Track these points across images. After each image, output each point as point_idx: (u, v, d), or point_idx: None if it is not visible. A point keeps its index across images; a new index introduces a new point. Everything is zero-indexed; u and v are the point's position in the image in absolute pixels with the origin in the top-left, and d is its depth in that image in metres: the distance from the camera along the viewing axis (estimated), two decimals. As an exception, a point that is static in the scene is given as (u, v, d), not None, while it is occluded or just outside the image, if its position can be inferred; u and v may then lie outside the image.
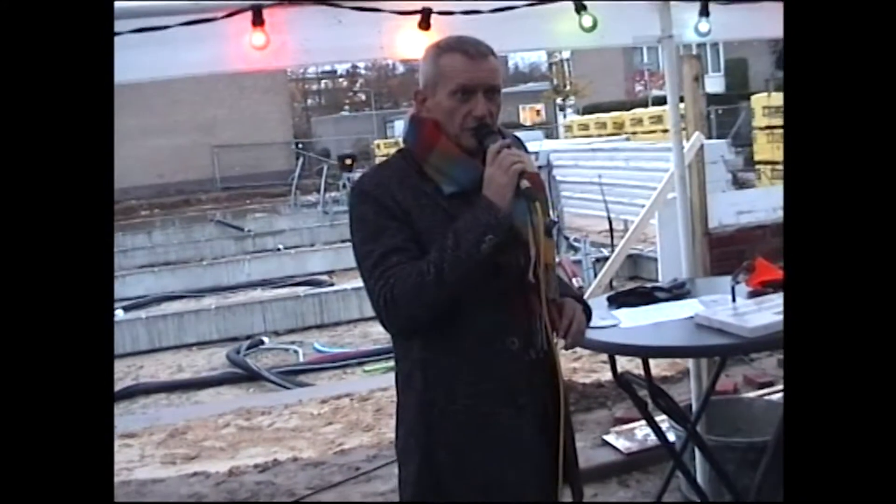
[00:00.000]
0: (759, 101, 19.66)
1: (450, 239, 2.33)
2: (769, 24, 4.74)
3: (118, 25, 3.13)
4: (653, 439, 4.96)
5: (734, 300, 3.56)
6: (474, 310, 2.43)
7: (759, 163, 19.21)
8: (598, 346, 3.50)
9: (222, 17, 3.69)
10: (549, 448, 2.55)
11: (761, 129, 19.13)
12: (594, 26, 4.13)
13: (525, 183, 2.38)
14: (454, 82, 2.46)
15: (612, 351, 3.60)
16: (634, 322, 3.56)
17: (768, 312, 3.33)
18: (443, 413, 2.47)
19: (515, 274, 2.48)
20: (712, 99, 29.77)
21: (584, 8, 4.09)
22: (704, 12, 4.38)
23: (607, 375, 6.25)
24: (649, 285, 4.08)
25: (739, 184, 17.54)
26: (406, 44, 3.97)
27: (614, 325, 3.53)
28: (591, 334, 3.41)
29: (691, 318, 3.48)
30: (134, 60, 3.55)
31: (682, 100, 5.25)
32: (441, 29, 3.80)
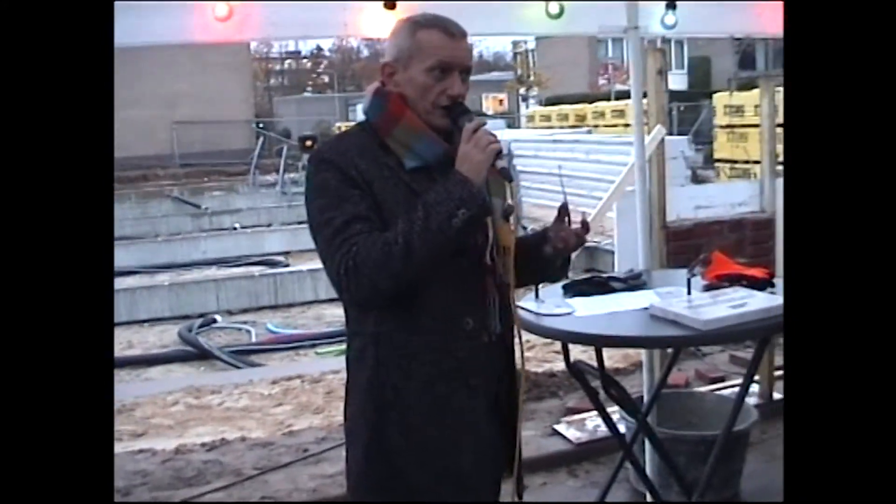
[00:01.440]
0: (721, 99, 19.78)
1: (420, 211, 2.30)
2: (734, 20, 4.78)
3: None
4: (603, 430, 4.97)
5: (689, 293, 3.57)
6: (432, 287, 2.40)
7: (719, 161, 19.33)
8: (551, 334, 3.49)
9: (185, -13, 3.64)
10: (499, 432, 2.55)
11: (722, 127, 19.25)
12: (561, 13, 4.12)
13: (501, 163, 2.39)
14: (433, 58, 2.43)
15: (566, 339, 3.59)
16: (589, 311, 3.55)
17: (723, 306, 3.33)
18: (396, 390, 2.44)
19: (474, 254, 2.47)
20: (675, 96, 29.91)
21: (552, -6, 4.08)
22: (671, 5, 4.38)
23: (560, 365, 6.27)
24: (605, 275, 4.08)
25: (699, 181, 17.65)
26: (370, 22, 3.94)
27: (569, 313, 3.52)
28: (544, 322, 3.42)
29: (646, 308, 3.48)
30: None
31: (645, 95, 5.26)
32: (406, 9, 3.76)
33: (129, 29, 3.71)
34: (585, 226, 2.69)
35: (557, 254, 2.65)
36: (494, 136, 2.40)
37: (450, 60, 2.44)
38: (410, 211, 2.31)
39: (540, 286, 3.60)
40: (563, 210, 2.65)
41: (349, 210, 2.34)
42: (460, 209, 2.30)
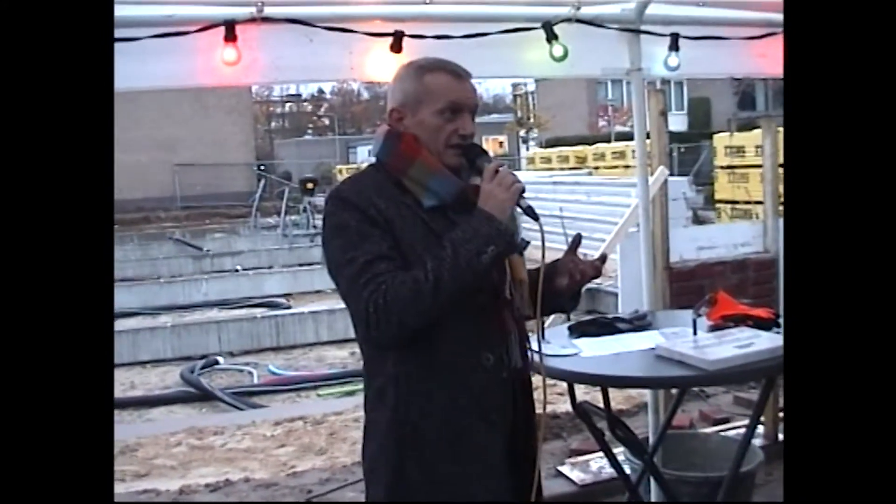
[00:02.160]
0: (720, 140, 19.81)
1: (448, 248, 2.33)
2: (735, 61, 4.81)
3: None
4: (607, 471, 4.96)
5: (695, 333, 3.58)
6: (451, 324, 2.42)
7: (720, 202, 19.35)
8: (557, 375, 3.49)
9: (195, 31, 3.67)
10: (516, 467, 2.57)
11: (722, 168, 19.28)
12: (564, 56, 4.16)
13: (525, 202, 2.45)
14: (443, 100, 2.49)
15: (572, 379, 3.59)
16: (595, 351, 3.56)
17: (729, 346, 3.34)
18: (416, 428, 2.45)
19: (490, 290, 2.50)
20: (675, 137, 30.00)
21: (556, 37, 4.11)
22: (674, 46, 4.42)
23: (563, 407, 6.25)
24: (611, 316, 4.09)
25: (700, 221, 17.69)
26: (375, 66, 3.97)
27: (575, 354, 3.53)
28: (550, 362, 3.42)
29: (652, 349, 3.49)
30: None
31: (647, 136, 5.29)
32: (412, 52, 3.80)
33: (136, 72, 3.74)
34: (603, 258, 2.75)
35: (572, 285, 2.67)
36: (516, 175, 2.44)
37: (460, 101, 2.50)
38: (431, 248, 2.35)
39: (546, 327, 3.61)
40: (577, 241, 2.69)
41: (371, 249, 2.36)
42: (489, 246, 2.34)
